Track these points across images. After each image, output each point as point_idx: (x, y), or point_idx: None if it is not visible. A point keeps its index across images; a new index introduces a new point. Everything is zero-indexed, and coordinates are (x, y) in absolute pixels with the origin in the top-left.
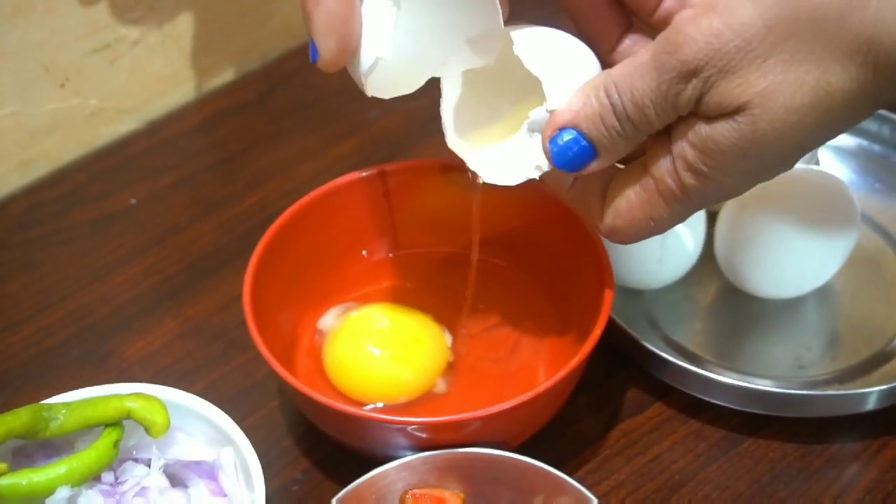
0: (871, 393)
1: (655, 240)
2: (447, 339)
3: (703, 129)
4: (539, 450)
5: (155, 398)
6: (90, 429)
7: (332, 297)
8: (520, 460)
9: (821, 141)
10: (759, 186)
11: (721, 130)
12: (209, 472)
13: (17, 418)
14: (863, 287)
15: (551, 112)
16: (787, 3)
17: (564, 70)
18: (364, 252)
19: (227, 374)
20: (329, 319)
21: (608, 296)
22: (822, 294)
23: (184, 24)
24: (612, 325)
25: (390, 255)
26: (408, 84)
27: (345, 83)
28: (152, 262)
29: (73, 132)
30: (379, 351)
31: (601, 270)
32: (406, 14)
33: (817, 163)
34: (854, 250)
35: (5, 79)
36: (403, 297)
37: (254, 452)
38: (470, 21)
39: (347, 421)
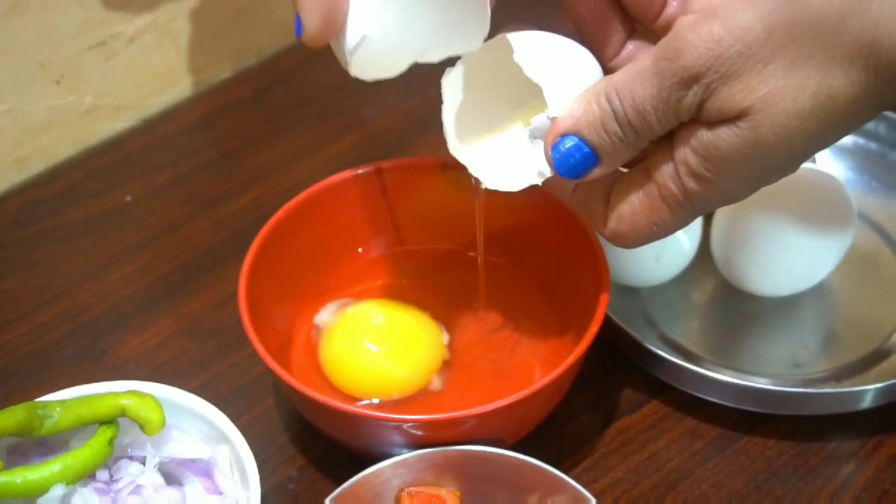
0: (868, 391)
1: None
2: (444, 336)
3: (704, 135)
4: (535, 448)
5: (150, 396)
6: (85, 426)
7: (329, 294)
8: (516, 458)
9: (823, 145)
10: None
11: (723, 136)
12: (204, 469)
13: (12, 416)
14: (859, 285)
15: (553, 119)
16: (787, 7)
17: (566, 76)
18: (360, 249)
19: (222, 371)
20: (326, 315)
21: (605, 293)
22: (819, 292)
23: (180, 22)
24: (608, 323)
25: (387, 252)
26: (392, 67)
27: (343, 81)
28: (148, 259)
29: (68, 129)
30: (375, 347)
31: (598, 268)
32: None
33: (814, 161)
34: (850, 248)
35: (1, 76)
36: (400, 295)
37: (249, 450)
38: (457, 5)
39: (342, 418)
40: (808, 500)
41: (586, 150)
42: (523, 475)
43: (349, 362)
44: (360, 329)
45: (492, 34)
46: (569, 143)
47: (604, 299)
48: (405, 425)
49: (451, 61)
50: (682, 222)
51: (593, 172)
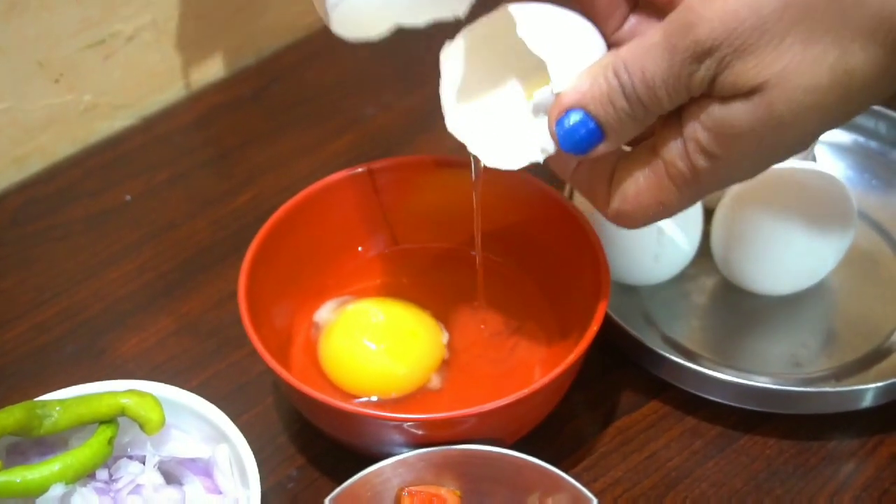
0: (868, 390)
1: (652, 236)
2: (443, 335)
3: (716, 111)
4: (535, 447)
5: (150, 395)
6: (84, 426)
7: (328, 293)
8: (516, 457)
9: (838, 122)
10: (755, 182)
11: (735, 112)
12: (204, 469)
13: (11, 415)
14: (859, 284)
15: (557, 94)
16: None
17: (570, 51)
18: (360, 248)
19: (222, 370)
20: (325, 313)
21: (605, 292)
22: (819, 291)
23: (179, 20)
24: (608, 322)
25: (386, 250)
26: (373, 26)
27: (341, 80)
28: (147, 258)
29: (67, 128)
30: (374, 344)
31: (598, 267)
32: None
33: (814, 159)
34: (851, 247)
35: None
36: (399, 293)
37: (249, 449)
38: None
39: (342, 417)
40: (808, 499)
41: (592, 125)
42: (523, 474)
43: (348, 360)
44: (359, 327)
45: (493, 6)
46: (574, 117)
47: (604, 298)
48: (405, 424)
49: (450, 35)
50: (689, 201)
51: (598, 149)
